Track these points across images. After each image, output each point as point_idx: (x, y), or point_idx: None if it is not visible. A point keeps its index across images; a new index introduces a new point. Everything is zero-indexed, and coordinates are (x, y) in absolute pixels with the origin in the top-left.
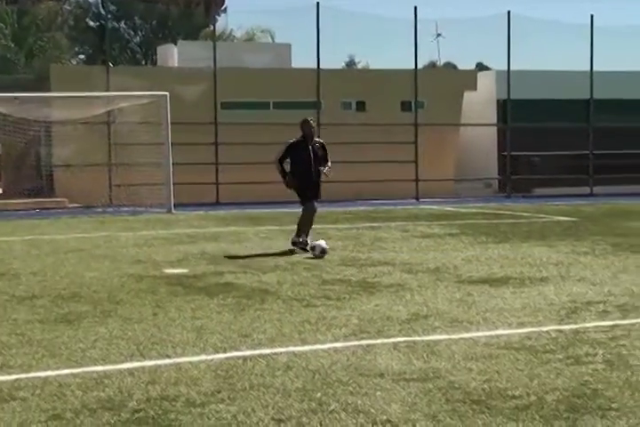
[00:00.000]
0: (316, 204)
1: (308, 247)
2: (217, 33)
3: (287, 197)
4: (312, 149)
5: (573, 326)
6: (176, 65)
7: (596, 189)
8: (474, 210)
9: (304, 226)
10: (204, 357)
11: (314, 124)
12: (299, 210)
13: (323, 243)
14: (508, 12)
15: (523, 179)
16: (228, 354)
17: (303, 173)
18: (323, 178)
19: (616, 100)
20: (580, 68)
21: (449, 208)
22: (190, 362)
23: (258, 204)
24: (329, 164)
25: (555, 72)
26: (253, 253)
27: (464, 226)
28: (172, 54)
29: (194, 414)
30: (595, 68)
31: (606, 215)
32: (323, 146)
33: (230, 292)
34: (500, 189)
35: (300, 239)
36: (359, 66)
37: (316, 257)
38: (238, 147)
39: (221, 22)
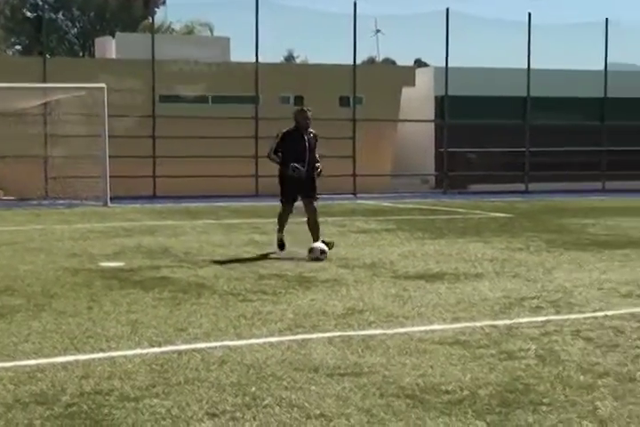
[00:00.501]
0: (315, 203)
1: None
2: (156, 26)
3: (224, 191)
4: (307, 140)
5: (507, 322)
6: (114, 57)
7: (532, 186)
8: (410, 206)
9: (314, 230)
10: (138, 351)
11: (310, 114)
12: (236, 203)
13: (320, 245)
14: (447, 9)
15: (459, 175)
16: (163, 348)
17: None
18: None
19: (552, 99)
20: (517, 66)
21: (386, 204)
22: (125, 356)
23: (195, 197)
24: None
25: (492, 69)
26: (190, 246)
27: (401, 222)
28: (110, 46)
29: (128, 408)
30: (532, 66)
31: (541, 212)
32: (316, 138)
33: (166, 286)
34: (436, 185)
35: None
36: (298, 60)
37: (314, 260)
38: (176, 140)
39: (160, 15)
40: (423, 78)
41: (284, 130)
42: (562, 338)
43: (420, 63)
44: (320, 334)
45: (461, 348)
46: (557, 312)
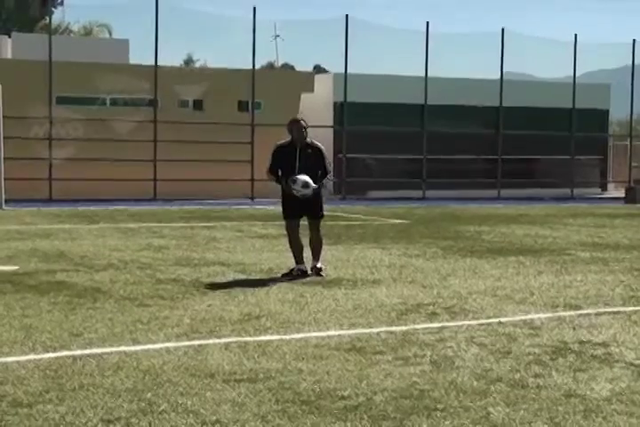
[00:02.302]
0: (315, 221)
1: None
2: (53, 26)
3: (122, 194)
4: (299, 156)
5: (403, 328)
6: (10, 57)
7: (429, 193)
8: None
9: (315, 250)
10: (32, 356)
11: (305, 124)
12: (134, 208)
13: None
14: (346, 16)
15: (358, 181)
16: (58, 353)
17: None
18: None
19: (449, 106)
20: (415, 74)
21: None
22: (18, 361)
23: (92, 201)
24: (329, 175)
25: (391, 76)
26: (86, 250)
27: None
28: (6, 46)
29: (20, 414)
30: (430, 74)
31: (438, 219)
32: (318, 151)
33: (62, 290)
34: (335, 191)
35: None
36: (197, 64)
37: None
38: (73, 142)
39: (58, 15)
40: (322, 84)
41: (278, 143)
42: (456, 344)
43: (319, 69)
44: (216, 340)
45: (358, 354)
46: (452, 319)
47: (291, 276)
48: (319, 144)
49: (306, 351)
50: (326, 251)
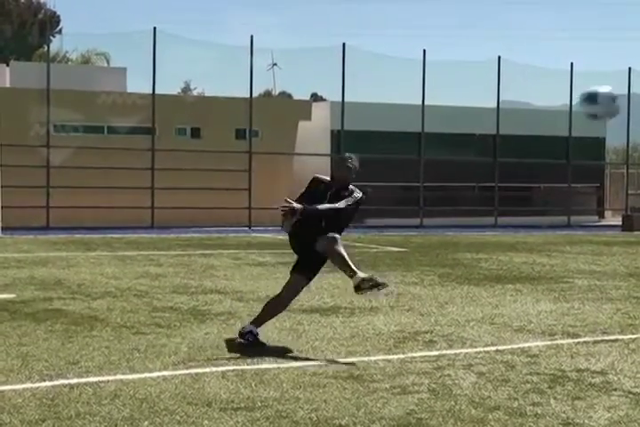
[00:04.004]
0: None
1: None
2: (51, 54)
3: (120, 222)
4: (330, 197)
5: (401, 356)
6: (8, 85)
7: (426, 221)
8: None
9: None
10: (29, 384)
11: (353, 164)
12: (132, 235)
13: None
14: (343, 44)
15: None
16: (55, 382)
17: (303, 225)
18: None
19: (446, 135)
20: (412, 102)
21: (281, 237)
22: (14, 390)
23: (90, 229)
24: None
25: (388, 105)
26: (84, 278)
27: None
28: (4, 74)
29: None
30: (426, 102)
31: (435, 247)
32: (357, 203)
33: (58, 318)
34: None
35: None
36: (195, 92)
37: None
38: (71, 170)
39: (56, 44)
40: (319, 112)
41: (317, 177)
42: (454, 372)
43: (316, 97)
44: (214, 368)
45: (355, 382)
46: (450, 346)
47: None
48: (357, 194)
49: (303, 380)
50: (324, 279)
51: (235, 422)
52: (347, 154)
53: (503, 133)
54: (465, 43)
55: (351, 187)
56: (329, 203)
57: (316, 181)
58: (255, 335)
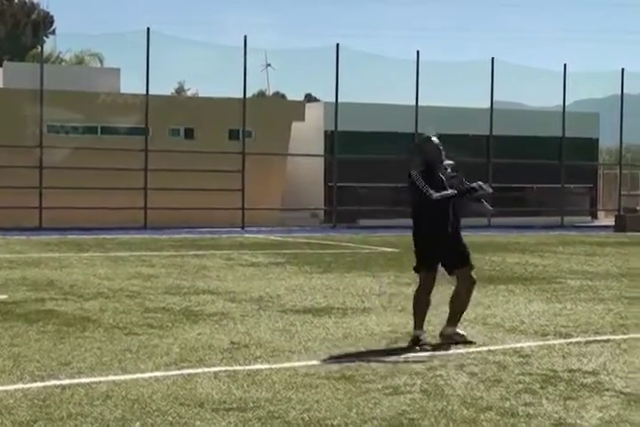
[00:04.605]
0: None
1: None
2: (45, 55)
3: (113, 222)
4: (445, 180)
5: (393, 357)
6: (1, 86)
7: None
8: (299, 240)
9: (457, 309)
10: (20, 385)
11: (437, 142)
12: (124, 236)
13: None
14: (337, 45)
15: (348, 210)
16: (46, 383)
17: (436, 219)
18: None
19: (440, 135)
20: (406, 102)
21: (275, 237)
22: (6, 391)
23: (83, 229)
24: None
25: (382, 105)
26: (76, 279)
27: (289, 255)
28: None
29: None
30: (420, 103)
31: None
32: (456, 173)
33: (51, 319)
34: (325, 219)
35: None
36: (189, 93)
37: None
38: (63, 171)
39: (49, 44)
40: (313, 113)
41: (415, 172)
42: (446, 373)
43: (310, 98)
44: (206, 369)
45: (347, 382)
46: (443, 347)
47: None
48: (452, 162)
49: (295, 380)
50: (316, 279)
51: (227, 422)
52: (429, 134)
53: (497, 134)
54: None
55: (447, 162)
56: (447, 183)
57: (423, 174)
58: (462, 335)
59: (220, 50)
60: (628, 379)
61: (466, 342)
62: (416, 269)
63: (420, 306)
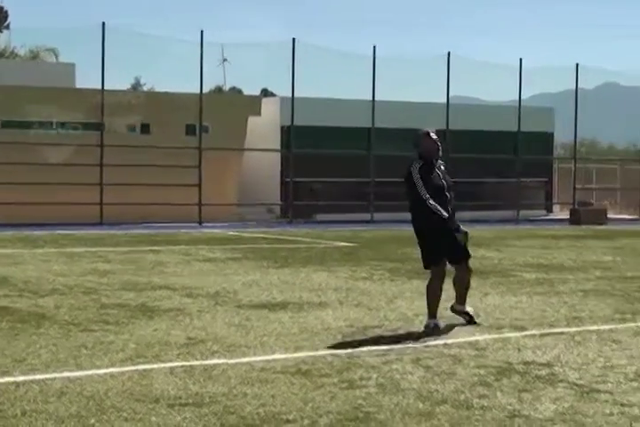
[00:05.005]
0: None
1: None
2: None
3: (68, 218)
4: (441, 175)
5: (349, 351)
6: None
7: (376, 216)
8: (256, 235)
9: (461, 288)
10: None
11: (436, 136)
12: (80, 232)
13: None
14: (293, 40)
15: (305, 205)
16: (0, 380)
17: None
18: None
19: (396, 130)
20: (363, 97)
21: (232, 232)
22: None
23: (36, 225)
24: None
25: (338, 100)
26: (30, 275)
27: (246, 250)
28: None
29: None
30: (377, 98)
31: (385, 241)
32: (447, 168)
33: (4, 316)
34: (282, 214)
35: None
36: (145, 88)
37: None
38: (18, 166)
39: (3, 39)
40: (269, 108)
41: (415, 166)
42: (402, 366)
43: (266, 93)
44: (162, 365)
45: (303, 377)
46: (398, 341)
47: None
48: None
49: (251, 375)
50: (273, 274)
51: (182, 418)
52: (428, 129)
53: (453, 129)
54: (416, 38)
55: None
56: (443, 179)
57: (421, 169)
58: (470, 315)
59: (176, 44)
60: (582, 371)
61: (471, 322)
62: (426, 267)
63: (432, 297)
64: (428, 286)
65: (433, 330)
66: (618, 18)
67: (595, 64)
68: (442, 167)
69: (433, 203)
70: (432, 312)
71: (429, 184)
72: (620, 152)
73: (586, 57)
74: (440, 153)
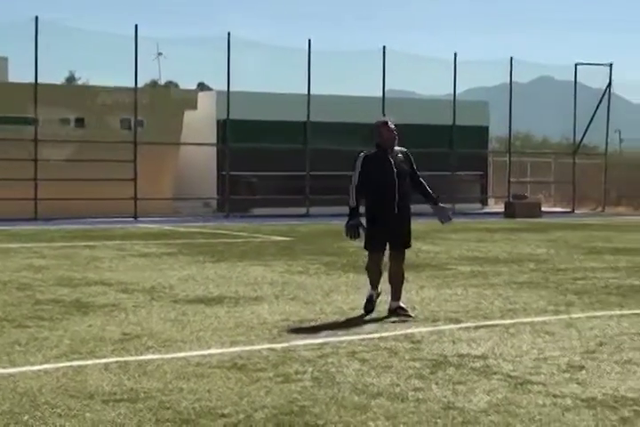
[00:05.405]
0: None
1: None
2: None
3: (0, 214)
4: (395, 164)
5: (285, 345)
6: None
7: (312, 210)
8: (192, 229)
9: (397, 284)
10: None
11: (393, 126)
12: (14, 227)
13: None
14: (228, 34)
15: (241, 199)
16: None
17: (381, 199)
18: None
19: (332, 124)
20: (299, 91)
21: (167, 227)
22: None
23: None
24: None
25: (274, 94)
26: None
27: (182, 245)
28: None
29: None
30: (312, 92)
31: (321, 235)
32: (407, 157)
33: None
34: (218, 208)
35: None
36: (79, 82)
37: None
38: None
39: None
40: (205, 102)
41: (362, 154)
42: (338, 360)
43: (203, 87)
44: (96, 360)
45: (239, 371)
46: (334, 334)
47: (372, 303)
48: (404, 149)
49: (187, 370)
50: (209, 269)
51: (117, 413)
52: (385, 118)
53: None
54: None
55: (396, 148)
56: (396, 167)
57: (368, 158)
58: (404, 309)
59: (111, 38)
60: (515, 362)
61: (407, 315)
62: (365, 247)
63: (371, 273)
64: (366, 268)
65: (372, 299)
66: (552, 12)
67: (529, 58)
68: (399, 155)
69: (352, 192)
70: (372, 284)
71: (372, 173)
72: (553, 145)
73: (521, 51)
74: (396, 142)
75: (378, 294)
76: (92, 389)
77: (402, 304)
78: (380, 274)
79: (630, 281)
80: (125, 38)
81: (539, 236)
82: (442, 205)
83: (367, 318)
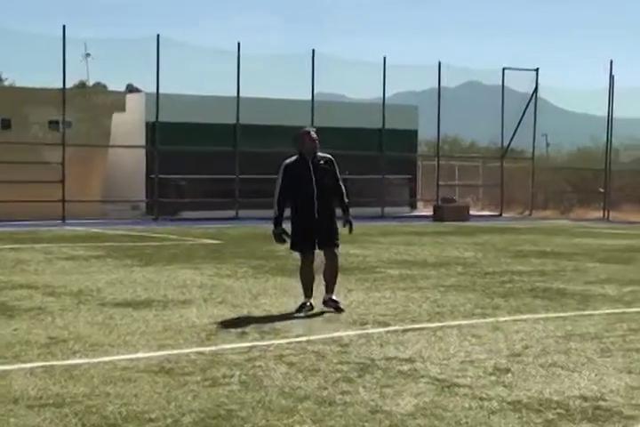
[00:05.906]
0: (336, 250)
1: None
2: None
3: None
4: (314, 171)
5: (213, 348)
6: None
7: (242, 213)
8: (120, 232)
9: (330, 279)
10: None
11: (315, 136)
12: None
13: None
14: (157, 36)
15: (170, 202)
16: None
17: (300, 206)
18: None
19: (262, 126)
20: (228, 94)
21: (95, 230)
22: None
23: None
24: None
25: (204, 97)
26: None
27: (110, 248)
28: None
29: None
30: (242, 95)
31: (249, 239)
32: (331, 163)
33: None
34: (147, 211)
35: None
36: (6, 83)
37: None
38: None
39: None
40: (134, 104)
41: (284, 163)
42: (265, 363)
43: (132, 88)
44: (22, 365)
45: (166, 375)
46: (262, 338)
47: (303, 311)
48: (328, 155)
49: (114, 374)
50: (137, 272)
51: (42, 418)
52: (307, 127)
53: (319, 125)
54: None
55: (320, 154)
56: (315, 174)
57: (288, 166)
58: (336, 301)
59: (39, 39)
60: (442, 365)
61: (337, 308)
62: (292, 248)
63: (302, 278)
64: (299, 271)
65: (302, 308)
66: (481, 17)
67: (458, 63)
68: (321, 162)
69: (275, 200)
70: (305, 290)
71: (293, 179)
72: (481, 149)
73: (449, 56)
74: (317, 150)
75: (311, 307)
76: (16, 393)
77: (334, 297)
78: (311, 278)
79: (556, 285)
80: (53, 39)
81: (466, 239)
82: (349, 213)
83: (295, 321)
